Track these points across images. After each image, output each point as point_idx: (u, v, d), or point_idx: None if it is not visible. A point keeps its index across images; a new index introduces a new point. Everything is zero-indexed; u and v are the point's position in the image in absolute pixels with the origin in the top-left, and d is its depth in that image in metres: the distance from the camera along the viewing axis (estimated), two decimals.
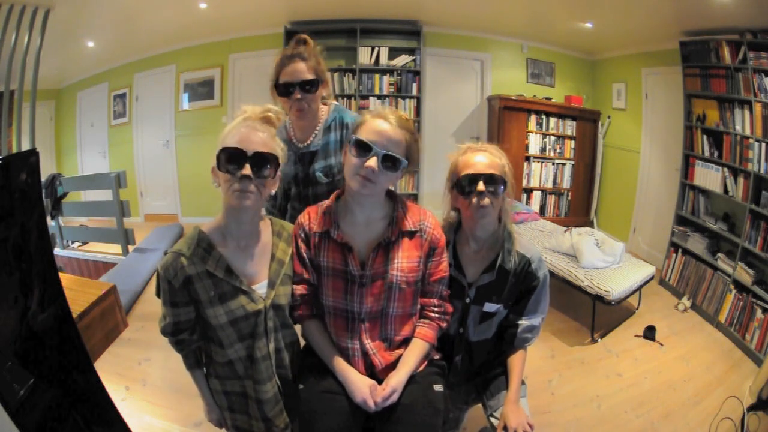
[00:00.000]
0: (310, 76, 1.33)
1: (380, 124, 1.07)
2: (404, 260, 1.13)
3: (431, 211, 1.22)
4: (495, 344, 1.34)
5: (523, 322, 1.27)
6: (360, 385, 1.08)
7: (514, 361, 1.29)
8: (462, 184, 1.17)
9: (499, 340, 1.33)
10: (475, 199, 1.15)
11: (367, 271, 1.11)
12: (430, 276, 1.18)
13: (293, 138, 1.48)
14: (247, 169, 0.98)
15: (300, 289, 1.16)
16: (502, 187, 1.17)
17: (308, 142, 1.47)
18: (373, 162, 1.03)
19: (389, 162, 1.05)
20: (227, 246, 1.07)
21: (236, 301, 1.05)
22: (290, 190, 1.57)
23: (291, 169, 1.50)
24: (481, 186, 1.14)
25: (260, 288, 1.09)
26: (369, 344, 1.13)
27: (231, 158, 0.98)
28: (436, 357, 1.24)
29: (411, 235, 1.15)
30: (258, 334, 1.08)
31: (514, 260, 1.22)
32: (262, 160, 1.00)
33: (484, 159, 1.17)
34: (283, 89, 1.34)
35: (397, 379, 1.09)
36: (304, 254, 1.15)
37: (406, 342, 1.18)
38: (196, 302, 1.06)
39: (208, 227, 1.08)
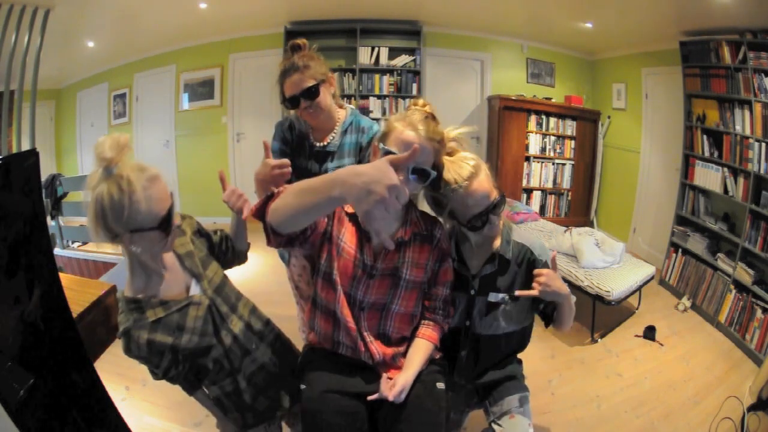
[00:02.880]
0: (309, 84, 1.38)
1: (408, 134, 1.04)
2: (414, 260, 1.16)
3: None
4: (504, 345, 1.34)
5: None
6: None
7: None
8: (469, 221, 1.16)
9: (511, 341, 1.33)
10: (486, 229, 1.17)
11: (379, 264, 1.12)
12: (437, 280, 1.21)
13: (311, 136, 1.54)
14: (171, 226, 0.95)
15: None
16: (502, 207, 1.19)
17: (325, 142, 1.52)
18: (400, 175, 0.99)
19: (417, 174, 1.03)
20: (150, 284, 1.03)
21: (189, 317, 1.04)
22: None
23: (305, 162, 1.54)
24: (493, 219, 1.16)
25: (193, 289, 1.08)
26: (366, 334, 1.15)
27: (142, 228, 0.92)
28: (437, 356, 1.25)
29: (423, 238, 1.17)
30: (219, 325, 1.09)
31: (513, 250, 1.24)
32: (169, 216, 0.95)
33: (482, 191, 1.13)
34: (290, 103, 1.42)
35: (405, 378, 1.11)
36: (327, 223, 1.12)
37: (402, 342, 1.20)
38: (169, 347, 1.04)
39: (127, 286, 1.03)
